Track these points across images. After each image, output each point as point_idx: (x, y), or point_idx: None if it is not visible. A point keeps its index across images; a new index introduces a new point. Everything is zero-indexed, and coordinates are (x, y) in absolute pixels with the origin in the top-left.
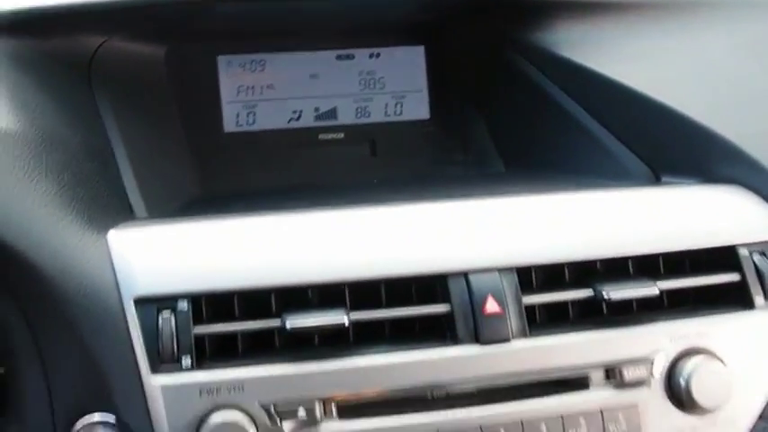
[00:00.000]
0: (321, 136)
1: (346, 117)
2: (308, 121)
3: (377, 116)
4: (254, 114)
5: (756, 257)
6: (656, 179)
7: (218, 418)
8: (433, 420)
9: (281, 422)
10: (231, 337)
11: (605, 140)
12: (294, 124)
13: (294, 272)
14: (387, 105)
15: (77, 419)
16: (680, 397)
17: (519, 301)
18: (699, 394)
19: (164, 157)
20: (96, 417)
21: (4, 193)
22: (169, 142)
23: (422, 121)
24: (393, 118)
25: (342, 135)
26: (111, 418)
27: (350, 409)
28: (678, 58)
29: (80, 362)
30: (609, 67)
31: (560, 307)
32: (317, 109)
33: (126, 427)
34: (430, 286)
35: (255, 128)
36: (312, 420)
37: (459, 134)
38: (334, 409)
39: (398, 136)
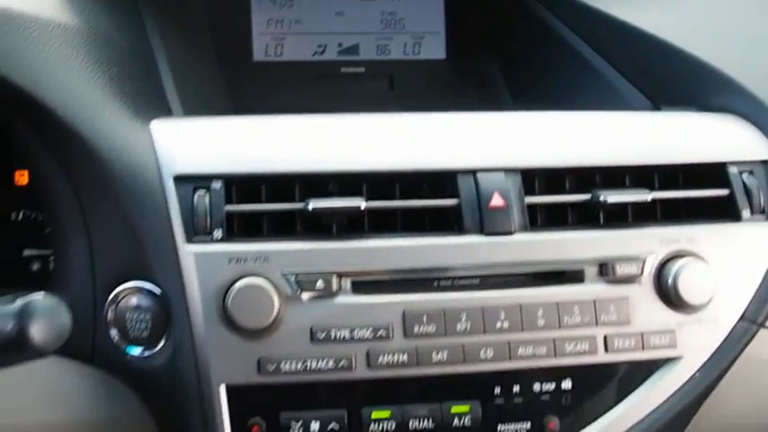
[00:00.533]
0: (343, 69)
1: (367, 53)
2: (331, 55)
3: (396, 54)
4: (282, 46)
5: (745, 175)
6: (655, 110)
7: (244, 282)
8: (439, 299)
9: (300, 292)
10: (257, 218)
11: (610, 76)
12: (318, 57)
13: (318, 162)
14: (406, 45)
15: (116, 287)
16: (668, 294)
17: (522, 199)
18: (685, 291)
19: (198, 75)
20: (134, 284)
21: (63, 76)
22: (203, 64)
23: (438, 61)
24: (411, 57)
25: (362, 69)
26: (147, 285)
27: (363, 286)
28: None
29: (122, 233)
30: (615, 9)
31: (560, 211)
32: (340, 44)
33: (161, 293)
34: (440, 183)
35: (282, 59)
36: (329, 292)
37: (474, 74)
38: (349, 285)
39: (416, 73)
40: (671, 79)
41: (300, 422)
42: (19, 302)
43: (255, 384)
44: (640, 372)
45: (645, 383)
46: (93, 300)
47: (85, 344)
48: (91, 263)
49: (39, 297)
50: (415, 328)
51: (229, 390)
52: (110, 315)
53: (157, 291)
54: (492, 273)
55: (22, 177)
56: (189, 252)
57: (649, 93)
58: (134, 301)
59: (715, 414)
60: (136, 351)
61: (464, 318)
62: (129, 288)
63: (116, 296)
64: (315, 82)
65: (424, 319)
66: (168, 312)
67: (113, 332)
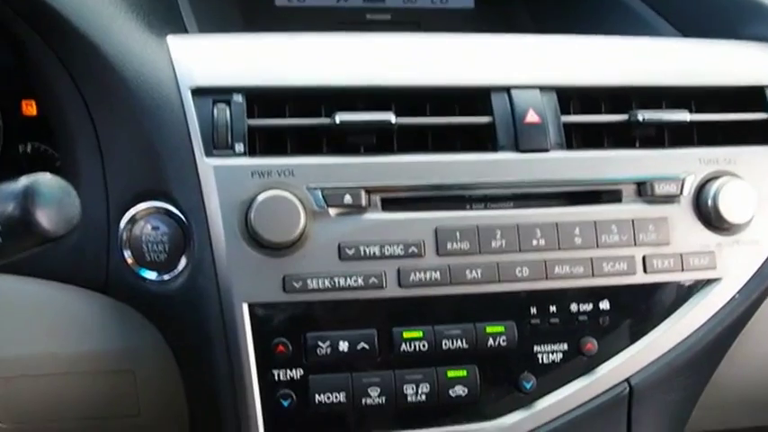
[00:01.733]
0: (369, 16)
1: (394, 1)
2: (356, 1)
3: (423, 2)
4: None
5: None
6: None
7: (268, 194)
8: (472, 216)
9: (327, 207)
10: (281, 134)
11: (638, 9)
12: (343, 4)
13: (345, 76)
14: None
15: (131, 208)
16: (707, 214)
17: (558, 117)
18: (725, 210)
19: (218, 16)
20: (150, 204)
21: None
22: (225, 5)
23: (466, 9)
24: (439, 5)
25: (388, 17)
26: (164, 204)
27: (393, 203)
28: None
29: (137, 149)
30: None
31: (596, 133)
32: None
33: (179, 213)
34: (473, 100)
35: (305, 4)
36: (357, 208)
37: (502, 22)
38: (378, 201)
39: (443, 21)
40: (701, 9)
41: (328, 342)
42: (24, 180)
43: (280, 303)
44: (679, 294)
45: (683, 305)
46: (106, 222)
47: (99, 269)
48: (104, 183)
49: (45, 176)
50: (448, 245)
51: (253, 309)
52: (124, 238)
53: (176, 211)
54: (527, 191)
55: (29, 107)
56: (209, 165)
57: (678, 24)
58: (151, 222)
59: (749, 348)
60: (152, 275)
61: (498, 235)
62: (146, 209)
63: (131, 218)
64: (338, 29)
65: (458, 235)
66: (187, 233)
67: (128, 255)
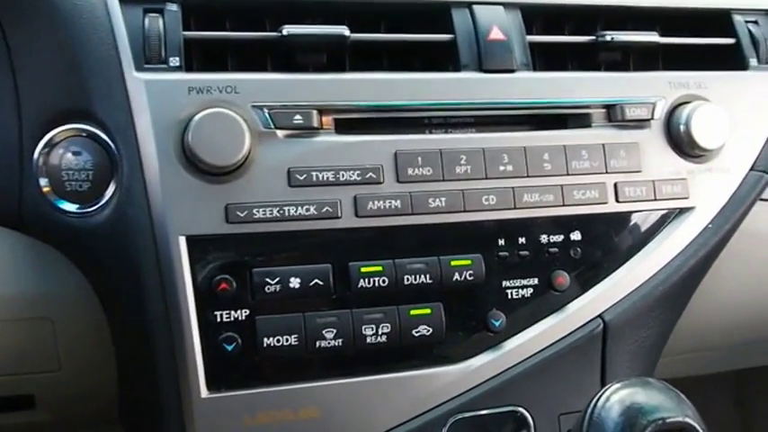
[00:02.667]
0: None
1: None
2: None
3: None
4: None
5: (750, 25)
6: None
7: (207, 112)
8: (435, 140)
9: (275, 127)
10: (221, 50)
11: None
12: None
13: None
14: None
15: (49, 131)
16: (679, 140)
17: (523, 35)
18: (698, 134)
19: None
20: (71, 127)
21: None
22: None
23: None
24: None
25: None
26: (88, 126)
27: (348, 124)
28: None
29: (56, 64)
30: None
31: (561, 56)
32: None
33: (105, 136)
34: (432, 17)
35: None
36: (309, 130)
37: None
38: (332, 122)
39: None
40: None
41: (277, 279)
42: None
43: (223, 235)
44: (652, 224)
45: (656, 236)
46: (19, 148)
47: (10, 201)
48: (16, 103)
49: None
50: (409, 171)
51: (191, 243)
52: (40, 165)
53: (100, 133)
54: (491, 114)
55: None
56: (139, 80)
57: None
58: (71, 147)
59: (713, 290)
60: (72, 207)
61: (463, 160)
62: (65, 132)
63: (48, 142)
64: None
65: (419, 160)
66: (113, 159)
67: (44, 185)
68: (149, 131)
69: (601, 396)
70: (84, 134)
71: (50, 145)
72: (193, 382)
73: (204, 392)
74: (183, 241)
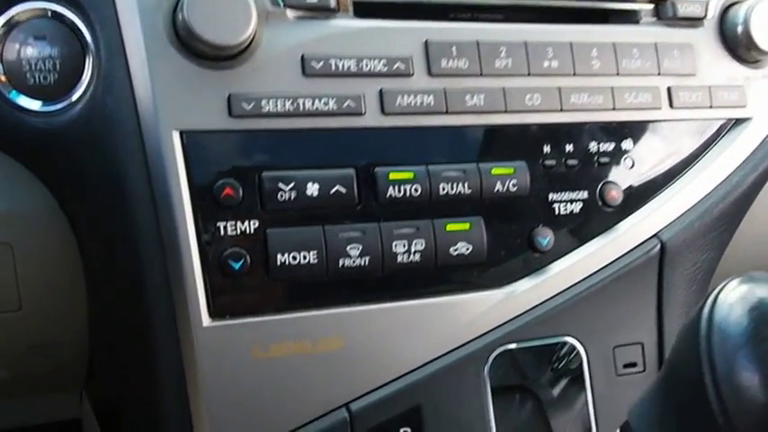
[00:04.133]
0: None
1: None
2: None
3: None
4: None
5: None
6: None
7: None
8: (470, 29)
9: (284, 6)
10: None
11: None
12: None
13: None
14: None
15: (4, 9)
16: (734, 41)
17: None
18: (756, 32)
19: None
20: (33, 5)
21: None
22: None
23: None
24: None
25: None
26: (52, 5)
27: (368, 8)
28: None
29: None
30: None
31: None
32: None
33: (76, 13)
34: None
35: None
36: (324, 11)
37: None
38: (349, 4)
39: None
40: None
41: (292, 185)
42: None
43: (226, 131)
44: (708, 133)
45: (713, 147)
46: None
47: None
48: None
49: None
50: (443, 63)
51: (187, 139)
52: None
53: (69, 14)
54: (531, 3)
55: None
56: None
57: None
58: (33, 29)
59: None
60: (35, 105)
61: (503, 53)
62: (27, 12)
63: (6, 24)
64: None
65: (454, 51)
66: (86, 44)
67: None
68: (133, 7)
69: (719, 294)
70: (49, 14)
71: (7, 28)
72: (193, 308)
73: (206, 321)
74: (176, 137)
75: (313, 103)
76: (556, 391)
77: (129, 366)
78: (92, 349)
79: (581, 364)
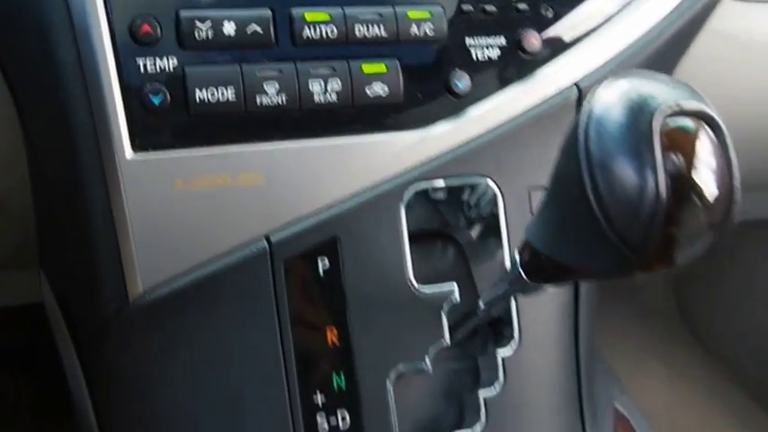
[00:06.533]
0: None
1: None
2: None
3: None
4: None
5: None
6: None
7: None
8: None
9: None
10: None
11: None
12: None
13: None
14: None
15: None
16: None
17: None
18: None
19: None
20: None
21: None
22: None
23: None
24: None
25: None
26: None
27: None
28: None
29: None
30: None
31: None
32: None
33: None
34: None
35: None
36: None
37: None
38: None
39: None
40: None
41: (209, 23)
42: None
43: None
44: None
45: None
46: None
47: None
48: None
49: None
50: None
51: None
52: None
53: None
54: None
55: None
56: None
57: None
58: None
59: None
60: None
61: None
62: None
63: None
64: None
65: None
66: None
67: None
68: None
69: (597, 89)
70: None
71: None
72: (116, 140)
73: (129, 153)
74: None
75: None
76: (474, 233)
77: (66, 217)
78: (37, 217)
79: (497, 202)
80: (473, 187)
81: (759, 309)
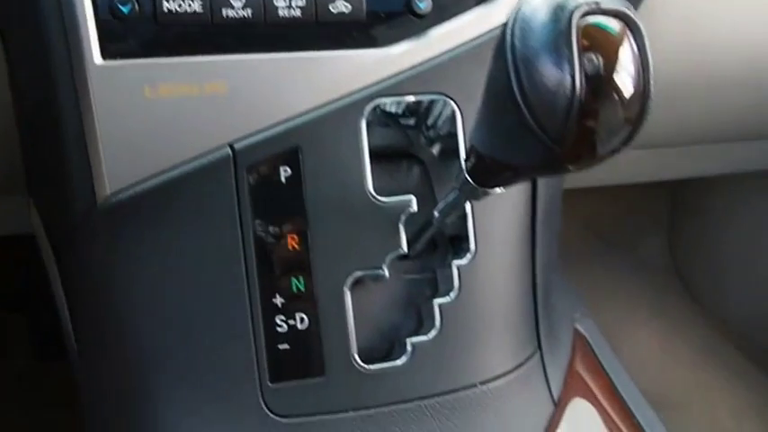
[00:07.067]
0: None
1: None
2: None
3: None
4: None
5: None
6: None
7: None
8: None
9: None
10: None
11: None
12: None
13: None
14: None
15: None
16: None
17: None
18: None
19: None
20: None
21: None
22: None
23: None
24: None
25: None
26: None
27: None
28: None
29: None
30: None
31: None
32: None
33: None
34: None
35: None
36: None
37: None
38: None
39: None
40: None
41: None
42: None
43: None
44: None
45: None
46: None
47: None
48: None
49: None
50: None
51: None
52: None
53: None
54: None
55: None
56: None
57: None
58: None
59: None
60: None
61: None
62: None
63: None
64: None
65: None
66: None
67: None
68: None
69: None
70: None
71: None
72: (86, 47)
73: (98, 59)
74: None
75: None
76: (436, 151)
77: (42, 130)
78: (22, 142)
79: (455, 119)
80: (433, 105)
81: (761, 267)
